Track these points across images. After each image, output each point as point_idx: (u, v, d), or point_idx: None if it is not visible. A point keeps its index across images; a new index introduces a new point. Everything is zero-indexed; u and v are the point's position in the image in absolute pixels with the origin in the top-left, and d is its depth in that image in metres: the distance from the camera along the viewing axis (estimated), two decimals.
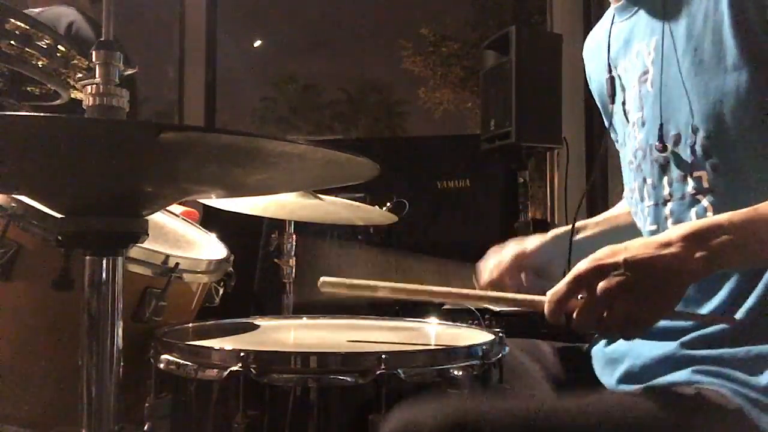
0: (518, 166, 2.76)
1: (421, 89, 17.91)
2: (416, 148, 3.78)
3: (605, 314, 0.79)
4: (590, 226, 1.24)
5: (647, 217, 1.00)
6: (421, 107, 18.05)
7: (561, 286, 0.81)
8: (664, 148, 0.94)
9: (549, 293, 0.82)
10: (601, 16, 1.17)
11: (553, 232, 1.21)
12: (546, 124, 2.76)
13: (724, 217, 0.80)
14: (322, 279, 1.00)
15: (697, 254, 0.77)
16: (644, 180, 1.00)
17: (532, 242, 1.18)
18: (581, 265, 0.80)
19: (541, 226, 2.99)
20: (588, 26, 3.04)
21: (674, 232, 0.80)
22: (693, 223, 0.83)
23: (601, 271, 0.78)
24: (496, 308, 1.60)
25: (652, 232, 0.98)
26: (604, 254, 0.79)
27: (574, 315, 0.81)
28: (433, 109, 17.56)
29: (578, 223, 1.25)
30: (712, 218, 0.84)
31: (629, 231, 1.24)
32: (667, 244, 0.78)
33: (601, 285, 0.77)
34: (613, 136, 1.15)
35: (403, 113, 21.09)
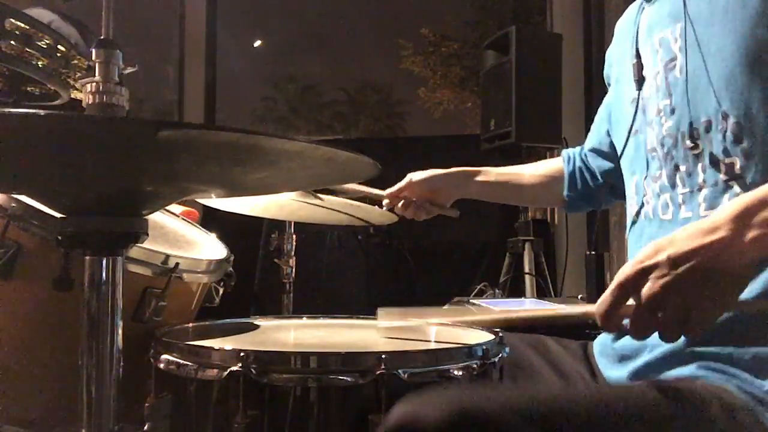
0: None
1: (421, 89, 17.92)
2: (416, 148, 3.79)
3: (660, 318, 0.73)
4: (492, 174, 1.41)
5: (682, 204, 0.96)
6: (421, 107, 18.05)
7: (606, 295, 0.75)
8: (695, 137, 0.93)
9: (597, 304, 0.77)
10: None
11: (454, 169, 1.41)
12: (546, 124, 2.76)
13: None
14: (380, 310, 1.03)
15: (749, 235, 0.71)
16: (676, 167, 0.97)
17: (419, 175, 1.40)
18: (624, 270, 0.75)
19: (541, 226, 3.00)
20: (588, 26, 3.05)
21: (722, 213, 0.73)
22: (742, 198, 0.75)
23: (644, 273, 0.73)
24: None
25: (687, 219, 0.95)
26: (647, 254, 0.74)
27: (628, 324, 0.75)
28: (433, 109, 17.56)
29: (483, 168, 1.43)
30: (761, 190, 0.74)
31: (524, 192, 1.43)
32: (714, 230, 0.72)
33: (645, 290, 0.73)
34: (620, 124, 1.14)
35: (403, 113, 21.09)
